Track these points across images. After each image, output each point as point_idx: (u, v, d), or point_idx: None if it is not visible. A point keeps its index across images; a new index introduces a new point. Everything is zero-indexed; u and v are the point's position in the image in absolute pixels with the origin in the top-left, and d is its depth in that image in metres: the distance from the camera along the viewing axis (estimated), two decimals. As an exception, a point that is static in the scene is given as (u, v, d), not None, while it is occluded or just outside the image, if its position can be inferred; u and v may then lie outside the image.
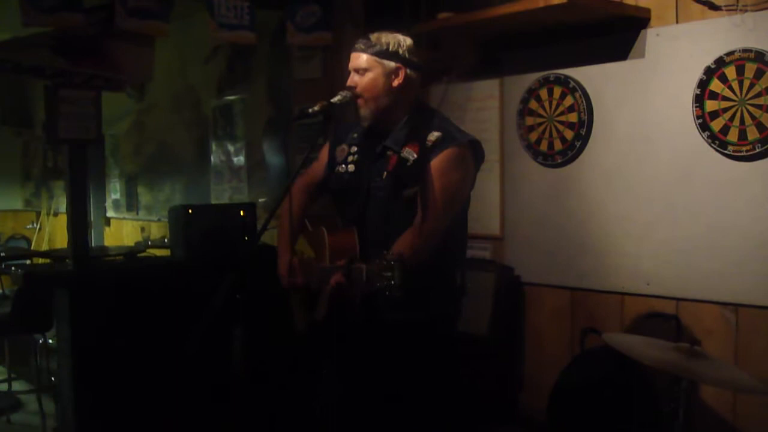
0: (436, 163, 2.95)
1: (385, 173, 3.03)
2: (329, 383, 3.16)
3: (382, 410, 3.07)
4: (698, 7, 3.66)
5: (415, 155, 2.95)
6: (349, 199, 3.16)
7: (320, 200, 3.46)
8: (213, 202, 6.93)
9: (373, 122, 3.09)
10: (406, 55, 3.07)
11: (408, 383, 3.04)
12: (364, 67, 3.04)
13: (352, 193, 3.14)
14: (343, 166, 3.22)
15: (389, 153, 3.06)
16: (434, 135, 3.00)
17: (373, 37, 3.06)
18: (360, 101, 3.06)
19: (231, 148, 6.79)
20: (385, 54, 3.03)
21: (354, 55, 3.08)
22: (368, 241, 3.02)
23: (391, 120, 3.09)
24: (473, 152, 3.07)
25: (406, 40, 3.08)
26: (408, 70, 3.07)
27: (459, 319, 3.26)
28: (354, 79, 3.06)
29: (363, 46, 3.05)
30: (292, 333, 3.33)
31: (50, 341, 5.79)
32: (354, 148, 3.22)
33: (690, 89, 3.69)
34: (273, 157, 6.24)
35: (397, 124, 3.09)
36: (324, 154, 3.36)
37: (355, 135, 3.23)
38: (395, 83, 3.05)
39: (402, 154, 2.98)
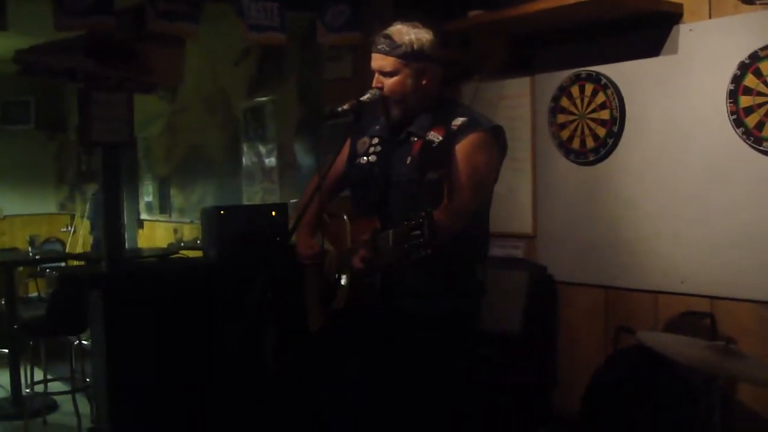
0: (461, 146, 2.92)
1: (409, 158, 3.00)
2: (347, 377, 3.17)
3: (400, 404, 3.04)
4: (732, 1, 3.62)
5: (441, 138, 2.93)
6: (371, 189, 3.12)
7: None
8: (245, 203, 6.95)
9: (399, 119, 3.08)
10: (431, 53, 3.04)
11: (424, 378, 3.02)
12: (390, 70, 3.00)
13: (374, 183, 3.12)
14: (365, 157, 3.20)
15: (413, 139, 3.04)
16: (459, 120, 2.99)
17: (395, 35, 3.00)
18: (387, 101, 3.04)
19: (262, 149, 6.81)
20: (411, 56, 2.99)
21: (377, 57, 3.03)
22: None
23: (415, 111, 3.08)
24: (497, 138, 3.05)
25: (427, 36, 3.04)
26: (433, 67, 3.06)
27: (478, 316, 3.21)
28: (381, 80, 3.03)
29: (387, 48, 3.00)
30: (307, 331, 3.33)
31: (85, 342, 5.85)
32: (375, 140, 3.20)
33: (724, 85, 3.64)
34: (304, 158, 6.26)
35: (420, 114, 3.07)
36: (344, 149, 3.32)
37: (377, 127, 3.21)
38: (423, 82, 3.04)
39: (427, 137, 2.95)
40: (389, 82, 3.01)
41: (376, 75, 3.05)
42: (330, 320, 3.12)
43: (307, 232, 3.31)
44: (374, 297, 2.95)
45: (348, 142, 3.32)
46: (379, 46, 3.02)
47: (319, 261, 3.20)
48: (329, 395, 3.26)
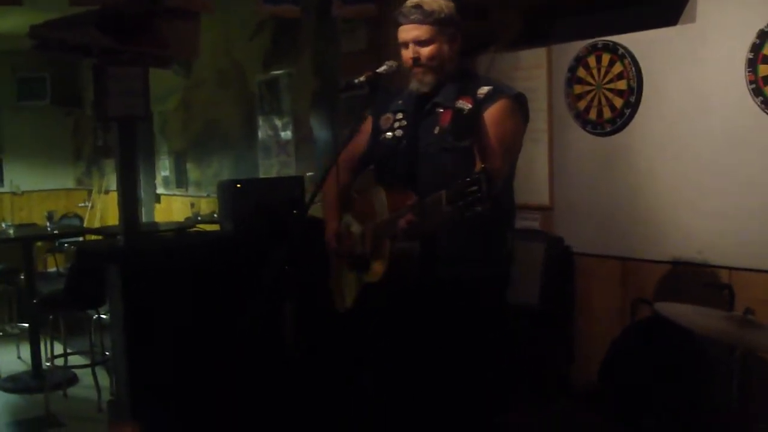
0: (489, 113, 2.95)
1: (437, 128, 3.04)
2: (379, 348, 3.18)
3: (431, 374, 3.07)
4: (751, -32, 3.58)
5: (470, 106, 2.94)
6: (400, 161, 3.14)
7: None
8: (261, 176, 6.96)
9: (430, 88, 3.09)
10: (457, 18, 3.09)
11: (459, 346, 3.05)
12: (427, 38, 3.03)
13: (402, 156, 3.14)
14: (389, 133, 3.22)
15: (439, 110, 3.07)
16: (485, 89, 3.03)
17: (424, 4, 3.02)
18: (419, 70, 3.06)
19: (278, 122, 6.81)
20: (443, 21, 3.03)
21: (410, 27, 3.04)
22: None
23: (439, 83, 3.10)
24: (521, 105, 3.10)
25: (450, 4, 3.08)
26: (460, 34, 3.10)
27: (509, 286, 3.24)
28: (416, 50, 3.05)
29: (420, 16, 3.02)
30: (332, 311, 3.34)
31: (103, 316, 5.88)
32: (400, 115, 3.22)
33: (743, 54, 3.61)
34: (320, 131, 6.25)
35: (444, 85, 3.10)
36: (366, 126, 3.34)
37: (400, 102, 3.23)
38: (455, 48, 3.09)
39: (457, 106, 2.96)
40: (426, 50, 3.04)
41: (411, 46, 3.06)
42: (361, 297, 3.14)
43: (335, 215, 3.33)
44: (412, 267, 2.98)
45: (369, 120, 3.33)
46: (411, 17, 3.04)
47: (349, 241, 3.21)
48: (365, 368, 3.29)
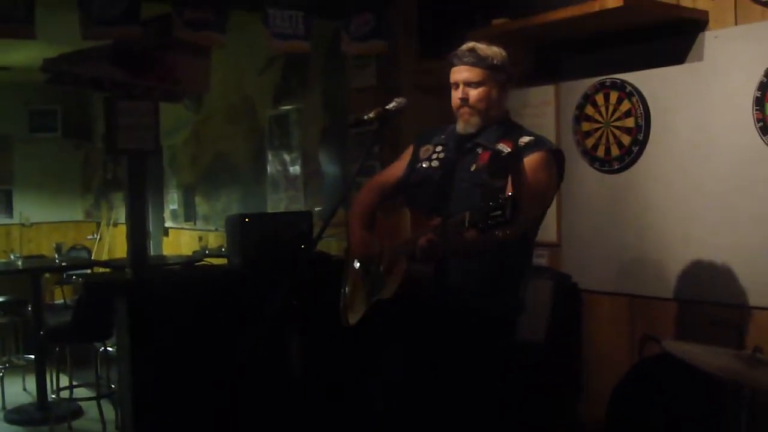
0: (527, 161, 3.00)
1: (474, 166, 3.10)
2: (389, 367, 3.19)
3: (437, 400, 3.09)
4: (757, 8, 3.60)
5: (509, 149, 3.01)
6: (431, 191, 3.20)
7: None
8: (269, 211, 6.98)
9: (477, 131, 3.16)
10: (509, 67, 3.19)
11: (463, 375, 3.07)
12: (478, 80, 3.12)
13: (434, 186, 3.20)
14: (427, 162, 3.29)
15: (479, 150, 3.14)
16: (526, 138, 3.11)
17: (479, 49, 3.13)
18: (468, 110, 3.15)
19: (287, 157, 6.84)
20: (495, 67, 3.13)
21: (463, 68, 3.14)
22: None
23: (485, 125, 3.18)
24: (558, 161, 3.16)
25: (503, 52, 3.18)
26: (510, 83, 3.22)
27: (516, 330, 3.26)
28: (466, 91, 3.13)
29: (474, 60, 3.12)
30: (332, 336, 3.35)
31: (110, 349, 5.88)
32: (439, 148, 3.29)
33: (750, 92, 3.61)
34: (329, 166, 6.27)
35: (488, 128, 3.18)
36: (406, 155, 3.44)
37: (443, 136, 3.31)
38: (503, 94, 3.19)
39: (497, 147, 3.03)
40: (475, 92, 3.13)
41: (461, 87, 3.15)
42: (370, 312, 3.15)
43: (360, 224, 3.37)
44: (424, 288, 3.00)
45: (410, 149, 3.43)
46: (465, 59, 3.14)
47: (372, 254, 3.24)
48: (371, 381, 3.32)
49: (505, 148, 3.01)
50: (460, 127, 3.20)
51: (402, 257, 2.98)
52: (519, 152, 3.00)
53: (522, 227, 2.83)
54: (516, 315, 3.24)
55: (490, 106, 3.15)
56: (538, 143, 3.10)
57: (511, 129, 3.18)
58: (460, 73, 3.15)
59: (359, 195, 3.27)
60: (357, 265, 3.31)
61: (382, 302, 3.04)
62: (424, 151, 3.34)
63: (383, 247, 3.16)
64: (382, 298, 3.03)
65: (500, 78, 3.15)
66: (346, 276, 3.40)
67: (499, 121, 3.20)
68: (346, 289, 3.37)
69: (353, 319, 3.24)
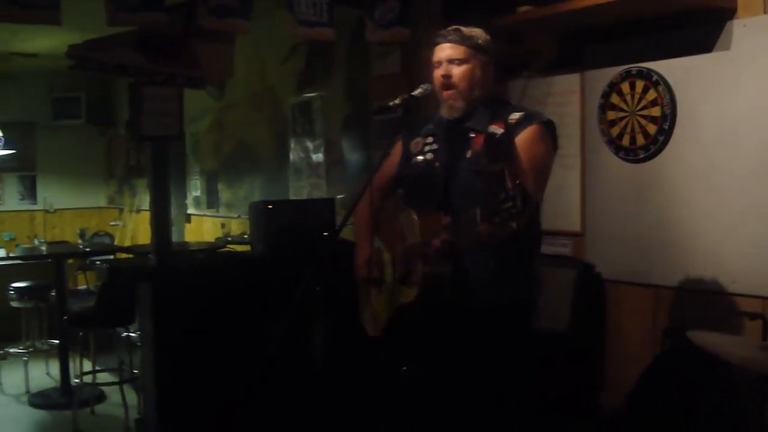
0: (521, 138, 3.02)
1: (470, 152, 3.08)
2: (412, 369, 3.19)
3: (461, 396, 3.10)
4: (787, -4, 3.56)
5: (502, 130, 3.02)
6: (429, 186, 3.17)
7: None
8: (292, 198, 6.99)
9: (461, 114, 3.14)
10: (491, 50, 3.18)
11: (486, 369, 3.06)
12: (462, 57, 3.12)
13: (432, 180, 3.17)
14: (420, 156, 3.26)
15: (471, 135, 3.12)
16: (516, 114, 3.10)
17: (463, 30, 3.14)
18: (449, 94, 3.12)
19: (310, 144, 6.84)
20: (479, 48, 3.14)
21: (448, 46, 3.14)
22: None
23: (471, 108, 3.16)
24: (551, 132, 3.15)
25: (487, 35, 3.19)
26: (493, 64, 3.20)
27: (536, 309, 3.27)
28: (449, 69, 3.12)
29: (458, 38, 3.12)
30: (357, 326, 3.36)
31: (133, 335, 5.92)
32: (430, 139, 3.27)
33: (778, 81, 3.58)
34: (352, 154, 6.27)
35: (476, 111, 3.16)
36: (396, 150, 3.39)
37: (431, 126, 3.29)
38: (486, 75, 3.17)
39: (489, 130, 3.04)
40: (459, 70, 3.12)
41: (444, 64, 3.13)
42: (394, 320, 3.16)
43: (367, 241, 3.38)
44: (444, 288, 3.01)
45: (399, 144, 3.37)
46: (449, 37, 3.14)
47: (379, 268, 3.24)
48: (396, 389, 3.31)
49: (497, 129, 3.03)
50: (444, 111, 3.18)
51: (417, 260, 2.97)
52: (511, 132, 3.02)
53: (533, 206, 2.83)
54: (536, 290, 3.26)
55: (474, 85, 3.13)
56: (529, 117, 3.10)
57: (498, 109, 3.16)
58: (444, 51, 3.15)
59: (359, 205, 3.22)
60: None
61: (405, 307, 3.06)
62: (414, 145, 3.31)
63: (394, 253, 3.15)
64: (405, 302, 3.04)
65: (484, 58, 3.15)
66: (360, 291, 3.40)
67: (485, 102, 3.18)
68: (364, 303, 3.37)
69: (376, 330, 3.26)
